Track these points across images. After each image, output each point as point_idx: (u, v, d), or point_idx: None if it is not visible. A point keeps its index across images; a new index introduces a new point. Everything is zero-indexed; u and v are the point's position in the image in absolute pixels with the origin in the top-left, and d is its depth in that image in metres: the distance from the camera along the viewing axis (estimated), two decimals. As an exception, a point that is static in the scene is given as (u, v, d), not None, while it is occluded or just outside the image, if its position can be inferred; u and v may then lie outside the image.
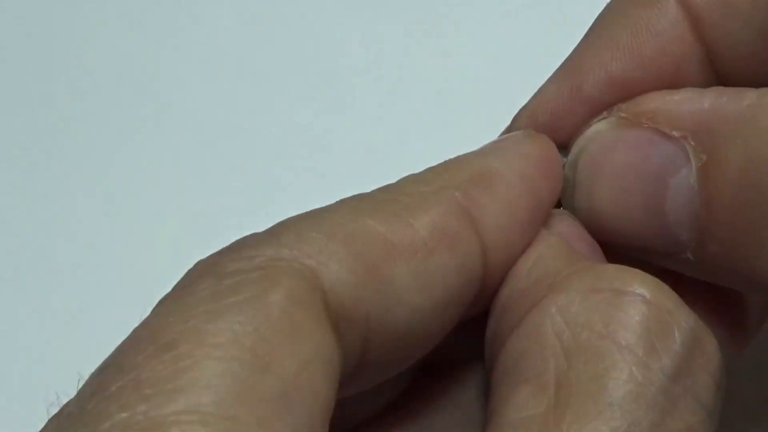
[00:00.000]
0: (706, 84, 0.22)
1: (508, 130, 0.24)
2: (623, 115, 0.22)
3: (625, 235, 0.21)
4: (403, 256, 0.19)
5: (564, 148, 0.23)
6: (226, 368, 0.16)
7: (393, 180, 0.21)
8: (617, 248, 0.22)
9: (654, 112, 0.21)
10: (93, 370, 0.17)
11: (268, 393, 0.16)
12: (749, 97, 0.20)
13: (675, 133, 0.20)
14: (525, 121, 0.23)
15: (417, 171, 0.21)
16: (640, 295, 0.18)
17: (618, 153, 0.21)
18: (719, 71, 0.22)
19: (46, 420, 0.18)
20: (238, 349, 0.16)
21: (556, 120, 0.23)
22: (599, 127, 0.22)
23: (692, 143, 0.20)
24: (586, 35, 0.23)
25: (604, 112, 0.22)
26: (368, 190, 0.21)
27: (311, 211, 0.20)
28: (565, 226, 0.22)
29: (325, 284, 0.18)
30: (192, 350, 0.16)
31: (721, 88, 0.21)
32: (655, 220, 0.21)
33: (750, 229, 0.19)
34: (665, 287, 0.19)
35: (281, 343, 0.17)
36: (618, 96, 0.22)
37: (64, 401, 0.18)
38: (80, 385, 0.18)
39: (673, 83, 0.22)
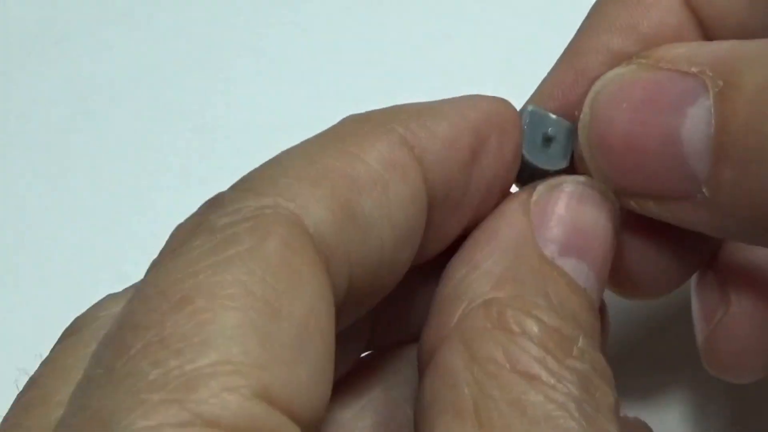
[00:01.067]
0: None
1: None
2: (643, 61, 0.22)
3: (639, 172, 0.22)
4: (366, 189, 0.19)
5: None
6: (243, 318, 0.16)
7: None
8: (629, 196, 0.22)
9: (674, 56, 0.22)
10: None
11: (286, 339, 0.16)
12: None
13: (693, 69, 0.21)
14: None
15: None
16: (534, 319, 0.19)
17: (637, 89, 0.22)
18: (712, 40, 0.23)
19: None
20: (250, 299, 0.16)
21: (563, 103, 0.23)
22: (619, 70, 0.23)
23: (710, 73, 0.21)
24: (586, 18, 0.24)
25: (624, 62, 0.23)
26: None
27: (268, 162, 0.20)
28: (534, 205, 0.22)
29: (310, 227, 0.18)
30: (208, 304, 0.16)
31: (740, 40, 0.21)
32: (671, 151, 0.21)
33: (762, 149, 0.19)
34: (563, 303, 0.20)
35: (286, 291, 0.17)
36: None
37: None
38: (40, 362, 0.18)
39: None
